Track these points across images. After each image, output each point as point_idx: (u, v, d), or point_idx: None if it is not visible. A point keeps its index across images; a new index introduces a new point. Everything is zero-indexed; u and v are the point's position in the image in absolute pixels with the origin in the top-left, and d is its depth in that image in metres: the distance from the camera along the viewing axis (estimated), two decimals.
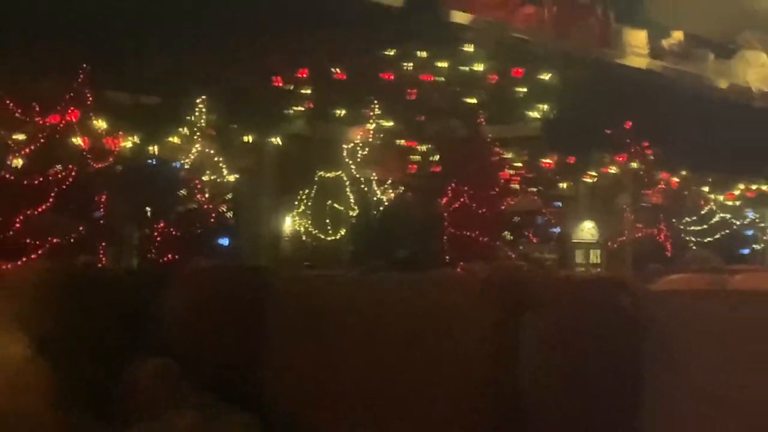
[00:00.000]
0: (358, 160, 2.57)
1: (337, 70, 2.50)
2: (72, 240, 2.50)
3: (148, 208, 2.41)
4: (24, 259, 2.45)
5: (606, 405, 0.91)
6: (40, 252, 2.51)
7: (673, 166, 3.20)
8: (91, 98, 2.49)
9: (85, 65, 2.46)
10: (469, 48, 2.59)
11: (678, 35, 3.15)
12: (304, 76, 2.52)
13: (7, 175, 2.41)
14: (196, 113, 2.40)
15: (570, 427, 0.93)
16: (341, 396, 1.06)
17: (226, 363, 1.14)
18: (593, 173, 3.19)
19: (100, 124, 2.57)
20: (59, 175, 2.43)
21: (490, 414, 0.94)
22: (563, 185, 3.25)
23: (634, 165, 3.13)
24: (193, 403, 1.08)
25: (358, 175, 2.56)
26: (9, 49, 2.39)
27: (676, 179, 3.35)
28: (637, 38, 3.04)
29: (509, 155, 2.78)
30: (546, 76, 2.67)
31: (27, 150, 2.45)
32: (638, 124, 3.05)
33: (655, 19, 3.10)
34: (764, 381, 0.80)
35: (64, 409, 1.07)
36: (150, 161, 2.42)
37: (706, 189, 3.49)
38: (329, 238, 2.62)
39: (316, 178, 2.51)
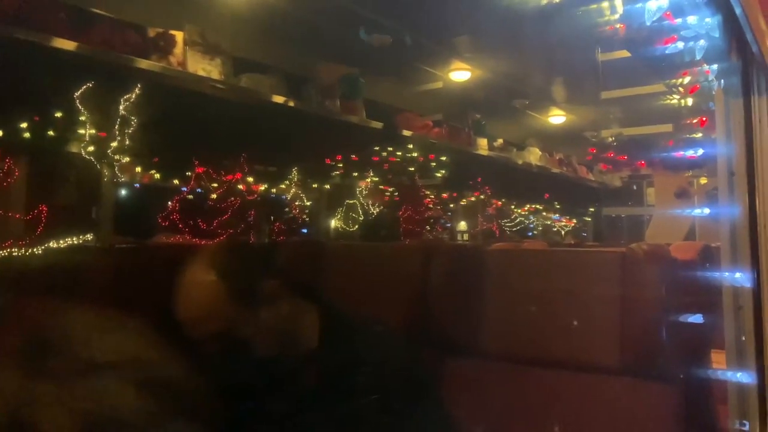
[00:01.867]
0: (363, 194, 5.26)
1: (354, 156, 5.18)
2: (239, 231, 4.89)
3: (271, 218, 4.90)
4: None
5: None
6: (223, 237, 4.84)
7: (498, 198, 6.28)
8: (244, 168, 4.98)
9: (244, 154, 4.94)
10: (410, 146, 4.56)
11: (500, 141, 6.09)
12: (339, 158, 5.18)
13: (209, 203, 4.74)
14: (292, 175, 4.95)
15: None
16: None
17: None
18: (464, 200, 5.63)
19: (250, 179, 5.10)
20: (234, 203, 4.82)
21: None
22: (452, 205, 5.66)
23: (482, 197, 5.80)
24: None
25: (363, 202, 5.25)
26: None
27: (499, 202, 6.23)
28: (483, 142, 5.41)
29: (428, 192, 5.07)
30: (443, 158, 4.91)
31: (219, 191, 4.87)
32: (484, 180, 5.76)
33: (492, 133, 6.01)
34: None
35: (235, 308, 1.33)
36: (273, 196, 4.91)
37: (512, 206, 6.58)
38: (350, 230, 5.29)
39: (345, 203, 5.18)
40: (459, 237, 5.57)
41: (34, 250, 2.78)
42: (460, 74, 4.81)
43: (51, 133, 2.94)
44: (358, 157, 5.08)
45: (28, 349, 0.98)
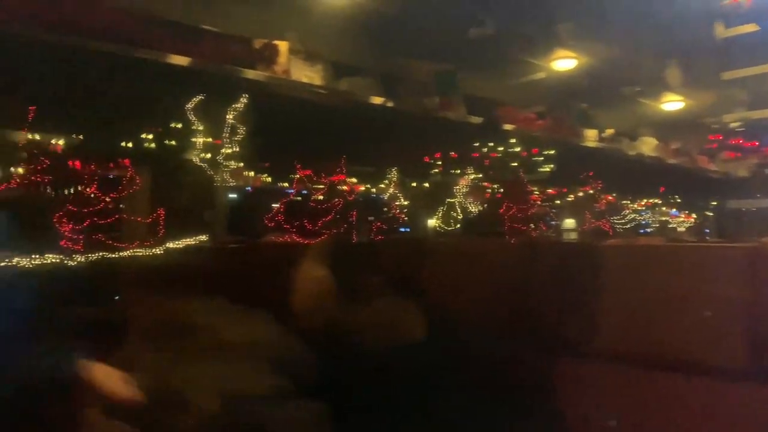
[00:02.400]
0: (463, 192, 5.21)
1: (453, 153, 5.13)
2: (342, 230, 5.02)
3: (371, 217, 4.95)
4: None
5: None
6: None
7: (609, 192, 5.94)
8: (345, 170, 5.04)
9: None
10: (512, 140, 4.46)
11: (610, 131, 5.51)
12: (438, 156, 5.15)
13: (313, 204, 4.94)
14: (390, 175, 5.00)
15: None
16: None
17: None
18: (572, 196, 5.41)
19: (351, 180, 5.20)
20: (337, 204, 4.98)
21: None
22: (558, 201, 5.52)
23: (591, 192, 5.49)
24: None
25: (463, 199, 5.20)
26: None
27: (610, 197, 5.79)
28: (591, 133, 5.12)
29: (534, 188, 4.97)
30: (548, 151, 4.59)
31: (322, 192, 5.05)
32: (593, 173, 5.47)
33: (600, 123, 5.44)
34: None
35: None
36: (373, 195, 5.00)
37: (624, 201, 6.12)
38: (449, 228, 5.24)
39: (444, 201, 5.15)
40: (565, 235, 5.33)
41: (157, 249, 2.99)
42: (564, 63, 4.61)
43: (168, 142, 3.15)
44: (458, 153, 5.01)
45: (171, 333, 1.24)
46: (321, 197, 4.30)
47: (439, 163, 5.02)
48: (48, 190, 2.55)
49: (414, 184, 5.01)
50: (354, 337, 1.40)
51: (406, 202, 4.94)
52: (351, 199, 4.49)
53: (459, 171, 4.96)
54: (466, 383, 1.33)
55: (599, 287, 1.44)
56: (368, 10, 3.50)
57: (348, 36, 3.74)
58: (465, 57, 4.18)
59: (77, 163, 2.94)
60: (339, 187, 4.41)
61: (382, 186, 4.88)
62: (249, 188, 4.06)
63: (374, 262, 1.69)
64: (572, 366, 1.43)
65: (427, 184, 5.04)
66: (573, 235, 5.35)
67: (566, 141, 4.94)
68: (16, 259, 2.26)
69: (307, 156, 4.13)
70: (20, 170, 2.59)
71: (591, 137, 5.23)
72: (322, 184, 4.31)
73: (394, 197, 4.94)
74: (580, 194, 5.45)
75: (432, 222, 5.08)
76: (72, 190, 2.74)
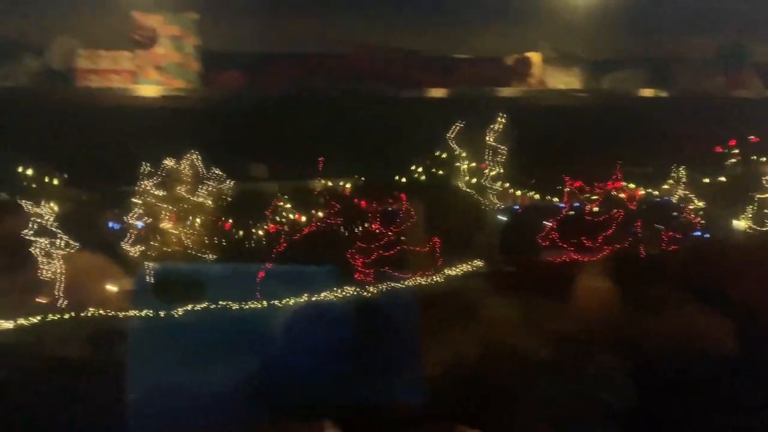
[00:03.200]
0: None
1: (753, 137, 4.25)
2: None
3: (659, 225, 4.42)
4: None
5: None
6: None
7: None
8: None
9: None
10: None
11: None
12: (732, 144, 4.37)
13: (589, 218, 4.72)
14: (676, 174, 4.40)
15: None
16: None
17: None
18: None
19: (629, 185, 4.79)
20: (616, 214, 4.59)
21: None
22: None
23: None
24: None
25: None
26: None
27: None
28: None
29: None
30: None
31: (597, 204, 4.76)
32: None
33: None
34: None
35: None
36: (657, 200, 4.48)
37: None
38: (764, 228, 4.35)
39: (749, 196, 4.33)
40: None
41: (436, 278, 3.09)
42: None
43: (436, 172, 3.28)
44: (759, 137, 4.21)
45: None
46: (596, 209, 3.93)
47: (736, 151, 4.29)
48: (341, 230, 2.85)
49: (706, 181, 4.33)
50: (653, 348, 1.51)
51: (700, 203, 4.34)
52: (632, 207, 4.02)
53: (765, 158, 4.14)
54: None
55: None
56: None
57: (605, 29, 3.51)
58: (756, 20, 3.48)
59: (362, 202, 3.24)
60: (616, 195, 4.00)
61: (666, 187, 4.31)
62: (517, 207, 3.98)
63: (673, 273, 1.60)
64: None
65: (723, 179, 4.33)
66: None
67: None
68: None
69: (575, 166, 3.89)
70: (319, 214, 2.94)
71: None
72: (596, 195, 3.95)
73: (684, 199, 4.36)
74: None
75: (737, 222, 4.34)
76: (359, 228, 3.02)
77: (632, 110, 3.59)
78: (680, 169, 3.92)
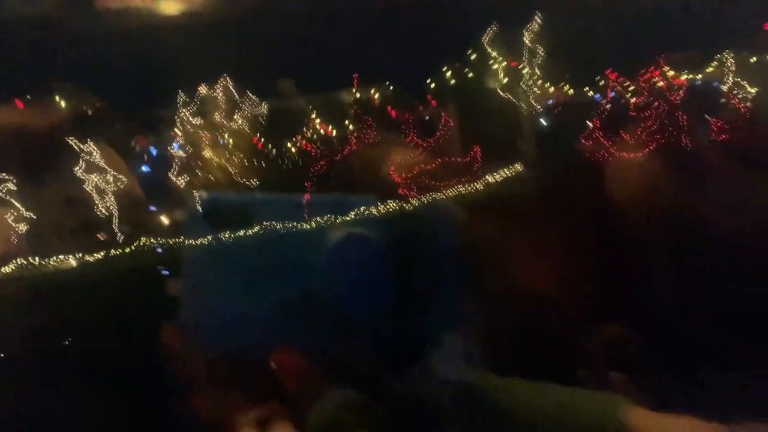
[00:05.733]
0: None
1: None
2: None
3: (708, 115, 4.18)
4: None
5: None
6: None
7: None
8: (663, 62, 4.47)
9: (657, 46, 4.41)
10: None
11: None
12: None
13: (633, 114, 4.60)
14: (721, 56, 4.13)
15: None
16: None
17: None
18: None
19: (669, 73, 4.58)
20: (659, 106, 4.46)
21: None
22: None
23: None
24: None
25: None
26: None
27: None
28: None
29: None
30: None
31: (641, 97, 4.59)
32: None
33: None
34: None
35: None
36: (702, 87, 4.25)
37: None
38: None
39: None
40: None
41: (476, 185, 3.07)
42: None
43: (469, 75, 3.15)
44: None
45: None
46: (639, 102, 3.82)
47: None
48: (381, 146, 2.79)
49: (754, 60, 4.08)
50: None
51: (751, 89, 4.13)
52: (675, 97, 3.87)
53: None
54: None
55: None
56: None
57: None
58: None
59: (393, 112, 3.15)
60: (657, 84, 3.86)
61: (711, 72, 4.10)
62: (558, 109, 3.87)
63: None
64: None
65: None
66: None
67: None
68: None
69: (612, 57, 3.72)
70: (351, 127, 2.88)
71: None
72: (636, 86, 3.83)
73: (734, 85, 4.15)
74: None
75: None
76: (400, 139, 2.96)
77: None
78: (724, 51, 3.73)
